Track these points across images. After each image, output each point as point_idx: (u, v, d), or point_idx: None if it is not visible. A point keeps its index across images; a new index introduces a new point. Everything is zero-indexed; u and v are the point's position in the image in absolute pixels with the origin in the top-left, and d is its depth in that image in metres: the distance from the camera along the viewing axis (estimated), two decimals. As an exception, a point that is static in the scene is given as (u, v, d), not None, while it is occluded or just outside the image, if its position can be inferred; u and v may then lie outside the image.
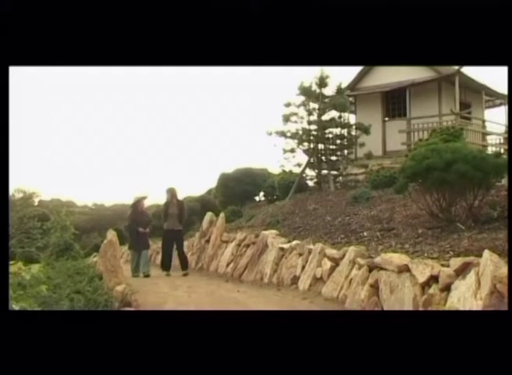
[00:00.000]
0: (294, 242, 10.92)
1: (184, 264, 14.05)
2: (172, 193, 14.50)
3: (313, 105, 18.20)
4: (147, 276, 13.41)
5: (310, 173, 19.19)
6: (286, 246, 11.10)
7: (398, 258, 7.17)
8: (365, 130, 18.61)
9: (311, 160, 18.43)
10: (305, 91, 17.89)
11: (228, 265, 13.44)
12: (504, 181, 11.15)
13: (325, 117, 18.27)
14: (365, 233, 9.86)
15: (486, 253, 5.77)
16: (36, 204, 40.96)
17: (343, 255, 8.72)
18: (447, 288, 6.10)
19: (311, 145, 18.30)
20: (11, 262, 4.54)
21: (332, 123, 18.30)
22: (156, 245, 18.73)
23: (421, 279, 6.50)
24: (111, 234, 9.37)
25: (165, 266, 14.07)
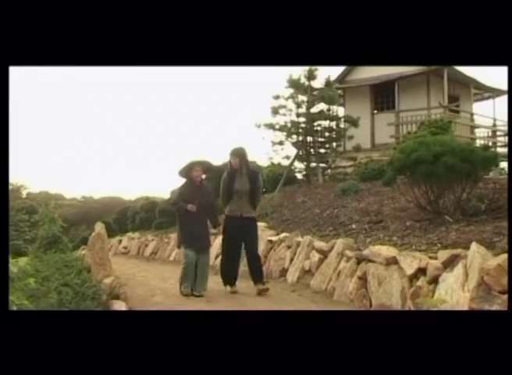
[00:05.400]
0: (283, 235, 10.96)
1: (257, 273, 8.70)
2: (241, 156, 8.69)
3: (302, 98, 18.24)
4: (198, 295, 8.21)
5: (298, 165, 19.29)
6: (274, 238, 11.13)
7: (386, 251, 7.20)
8: (354, 122, 18.65)
9: (300, 153, 18.46)
10: (294, 84, 17.91)
11: (217, 257, 13.41)
12: (492, 174, 11.22)
13: (314, 110, 18.32)
14: (354, 226, 9.88)
15: (474, 245, 5.80)
16: (24, 196, 40.74)
17: (332, 248, 8.74)
18: (435, 280, 6.13)
19: (300, 138, 18.33)
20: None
21: (321, 115, 18.35)
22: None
23: (409, 271, 6.53)
24: (99, 227, 9.33)
25: (227, 276, 8.81)
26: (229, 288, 8.67)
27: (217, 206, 9.19)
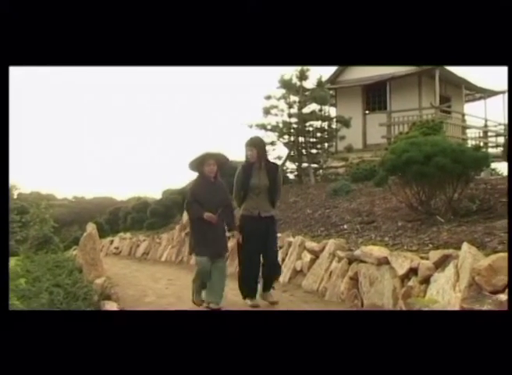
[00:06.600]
0: (274, 235, 10.92)
1: (269, 283, 7.70)
2: (258, 147, 7.52)
3: (293, 98, 18.30)
4: (215, 308, 7.12)
5: (290, 165, 19.32)
6: (266, 239, 11.09)
7: (378, 251, 7.20)
8: (346, 123, 18.71)
9: (292, 153, 18.51)
10: (285, 84, 17.96)
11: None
12: (483, 175, 11.23)
13: (306, 110, 18.39)
14: (345, 226, 9.88)
15: (465, 246, 5.80)
16: (15, 197, 40.61)
17: (323, 248, 8.74)
18: (426, 281, 6.14)
19: (292, 138, 18.38)
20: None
21: (313, 116, 18.40)
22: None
23: (401, 271, 6.53)
24: (90, 227, 9.33)
25: (246, 287, 7.56)
26: (248, 302, 7.43)
27: (230, 204, 7.79)
